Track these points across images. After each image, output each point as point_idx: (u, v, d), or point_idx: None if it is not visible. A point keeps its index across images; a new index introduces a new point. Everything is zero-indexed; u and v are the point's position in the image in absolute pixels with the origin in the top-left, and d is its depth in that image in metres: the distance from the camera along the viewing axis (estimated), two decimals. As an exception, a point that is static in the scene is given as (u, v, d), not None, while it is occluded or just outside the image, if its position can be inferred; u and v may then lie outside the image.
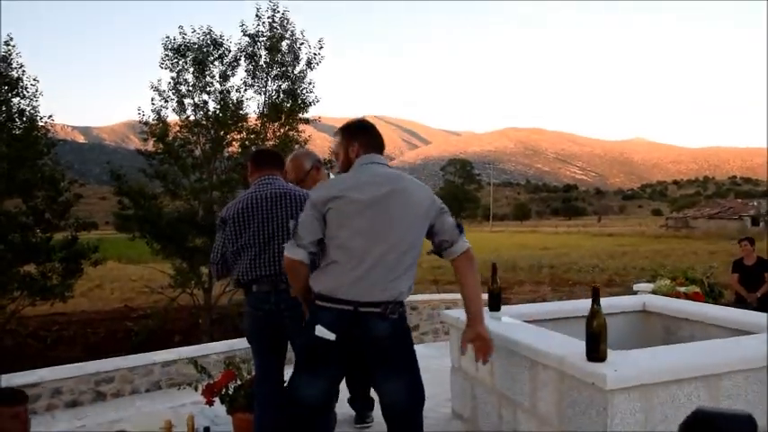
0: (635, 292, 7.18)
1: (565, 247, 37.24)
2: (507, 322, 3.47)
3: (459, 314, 3.80)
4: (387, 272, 2.41)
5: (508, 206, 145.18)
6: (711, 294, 6.99)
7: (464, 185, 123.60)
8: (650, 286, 7.35)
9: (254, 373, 3.19)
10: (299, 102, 14.69)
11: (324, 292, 2.43)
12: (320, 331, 2.41)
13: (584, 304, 4.01)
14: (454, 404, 3.91)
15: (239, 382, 3.26)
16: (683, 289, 6.70)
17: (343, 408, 3.89)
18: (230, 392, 3.21)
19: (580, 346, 2.66)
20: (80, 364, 8.66)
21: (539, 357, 2.88)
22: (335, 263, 2.43)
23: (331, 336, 2.40)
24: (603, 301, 4.44)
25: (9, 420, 2.60)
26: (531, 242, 46.46)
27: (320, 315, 2.43)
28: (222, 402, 3.11)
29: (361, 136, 2.62)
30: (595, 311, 2.54)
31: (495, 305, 3.78)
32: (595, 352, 2.54)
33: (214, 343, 8.53)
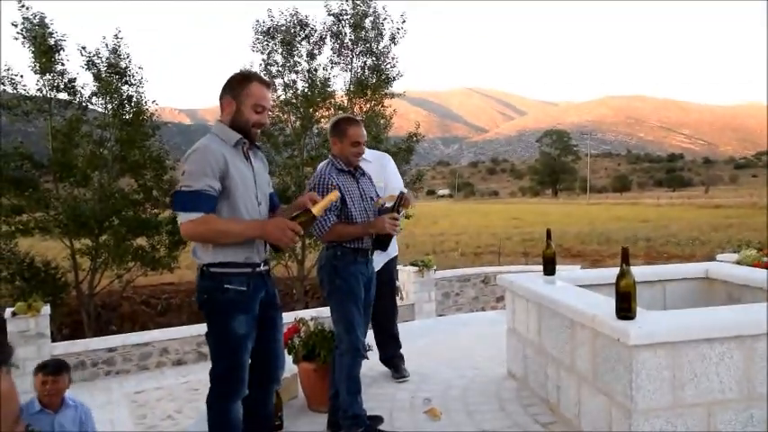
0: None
1: (665, 220, 35.58)
2: (557, 285, 3.62)
3: (513, 278, 4.00)
4: None
5: (608, 178, 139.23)
6: (803, 265, 6.70)
7: (560, 157, 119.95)
8: (735, 256, 7.16)
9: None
10: (383, 77, 15.00)
11: None
12: None
13: (641, 269, 4.10)
14: (509, 364, 4.11)
15: (302, 336, 3.63)
16: (766, 258, 6.51)
17: (379, 367, 4.24)
18: (295, 345, 3.59)
19: (614, 305, 2.78)
20: (184, 327, 9.58)
21: (575, 317, 3.04)
22: None
23: None
24: (667, 267, 4.49)
25: None
26: (629, 214, 44.68)
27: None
28: (289, 353, 3.48)
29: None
30: (624, 271, 2.68)
31: (549, 269, 3.85)
32: (625, 310, 2.68)
33: (307, 310, 9.13)
